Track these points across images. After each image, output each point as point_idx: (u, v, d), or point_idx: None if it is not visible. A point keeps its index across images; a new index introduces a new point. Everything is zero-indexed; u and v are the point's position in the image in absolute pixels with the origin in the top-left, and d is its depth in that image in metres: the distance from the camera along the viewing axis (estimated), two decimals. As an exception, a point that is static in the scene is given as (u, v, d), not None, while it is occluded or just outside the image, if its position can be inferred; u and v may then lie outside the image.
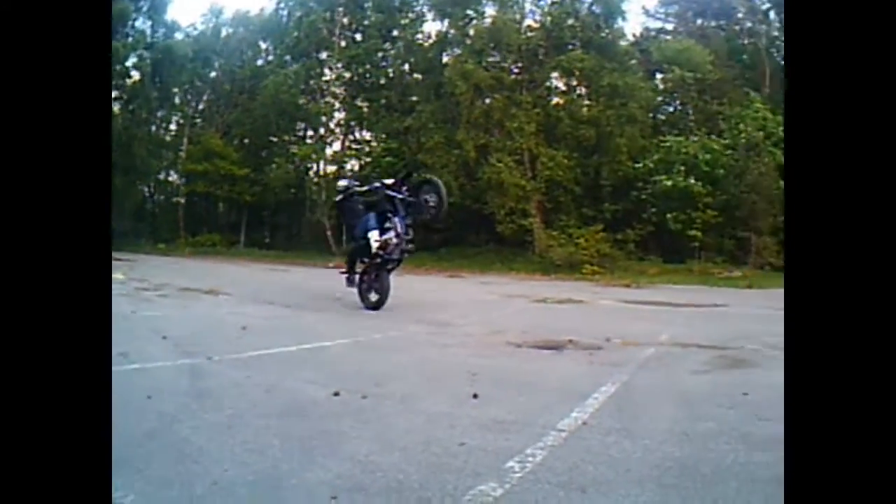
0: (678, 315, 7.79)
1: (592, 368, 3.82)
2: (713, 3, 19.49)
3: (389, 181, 6.66)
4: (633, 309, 8.45)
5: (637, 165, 17.65)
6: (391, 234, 6.34)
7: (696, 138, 17.76)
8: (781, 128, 18.06)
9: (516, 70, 18.63)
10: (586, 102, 18.40)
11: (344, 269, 6.92)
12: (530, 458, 2.08)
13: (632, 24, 29.63)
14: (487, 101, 18.28)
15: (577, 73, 18.25)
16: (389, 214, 6.39)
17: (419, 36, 20.40)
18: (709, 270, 17.10)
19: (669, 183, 17.11)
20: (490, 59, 18.69)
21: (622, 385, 3.30)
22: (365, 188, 6.79)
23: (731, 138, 17.71)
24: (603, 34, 18.49)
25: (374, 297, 6.47)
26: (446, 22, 19.71)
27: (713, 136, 17.76)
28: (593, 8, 18.84)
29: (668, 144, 17.60)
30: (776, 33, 19.37)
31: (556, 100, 18.73)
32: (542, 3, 19.11)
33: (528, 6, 19.18)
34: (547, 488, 1.85)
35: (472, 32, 19.08)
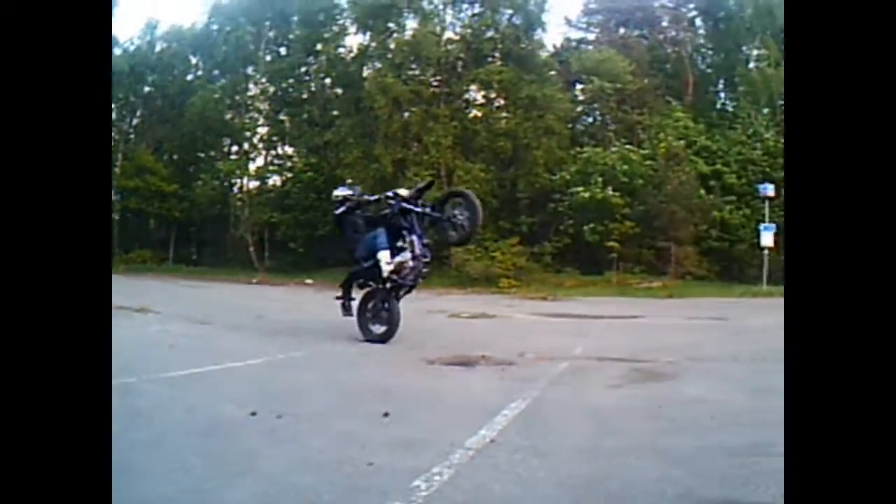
0: (594, 327, 7.84)
1: (504, 384, 3.81)
2: (637, 12, 19.36)
3: (404, 191, 5.76)
4: (548, 322, 8.43)
5: (554, 177, 17.45)
6: (406, 254, 5.47)
7: (614, 149, 17.57)
8: (704, 136, 17.95)
9: (435, 83, 18.43)
10: (504, 115, 18.16)
11: (339, 294, 5.92)
12: (437, 477, 2.08)
13: (553, 35, 29.27)
14: (406, 114, 18.07)
15: (496, 85, 18.06)
16: (405, 231, 5.51)
17: (341, 50, 20.22)
18: (627, 281, 16.90)
19: (587, 194, 16.91)
20: (410, 73, 18.49)
21: (532, 401, 3.31)
22: (374, 198, 5.96)
23: (651, 148, 17.56)
24: (522, 45, 18.30)
25: (379, 328, 5.53)
26: (368, 35, 19.53)
27: (632, 147, 17.57)
28: (513, 19, 18.65)
29: (585, 156, 17.42)
30: (701, 41, 19.25)
31: (474, 112, 18.52)
32: (462, 15, 18.97)
33: (448, 18, 19.02)
34: (451, 506, 1.88)
35: (392, 46, 18.88)
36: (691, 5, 19.28)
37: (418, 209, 5.55)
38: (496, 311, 9.40)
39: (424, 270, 5.66)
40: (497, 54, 18.36)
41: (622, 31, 19.77)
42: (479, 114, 18.42)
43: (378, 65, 19.03)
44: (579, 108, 19.37)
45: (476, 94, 18.62)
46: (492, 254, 16.82)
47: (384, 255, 5.38)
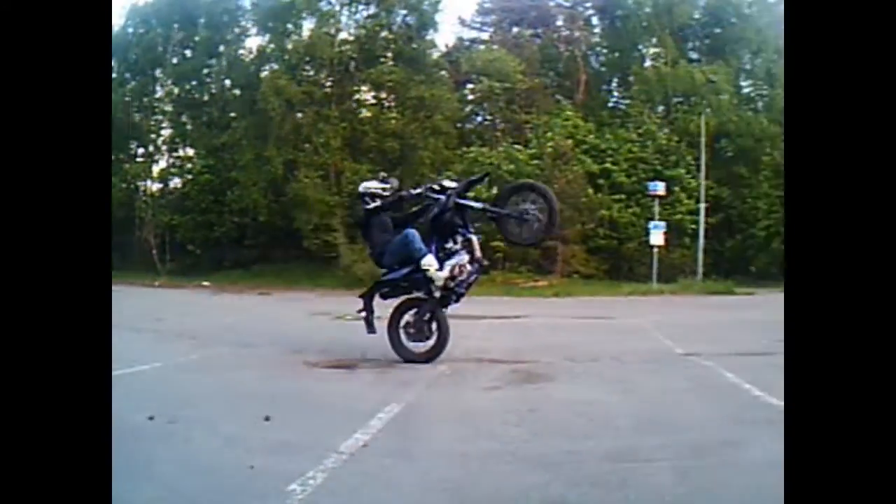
0: (477, 328, 7.74)
1: (381, 388, 3.89)
2: (531, 11, 19.23)
3: (450, 183, 5.02)
4: None
5: (440, 177, 17.37)
6: (463, 256, 4.74)
7: (501, 148, 17.51)
8: (593, 135, 17.87)
9: (328, 84, 18.42)
10: (393, 115, 18.13)
11: (360, 308, 5.10)
12: (311, 481, 2.17)
13: (446, 35, 28.91)
14: (299, 115, 18.08)
15: (386, 86, 18.05)
16: (459, 230, 4.79)
17: (242, 51, 20.29)
18: (512, 280, 16.89)
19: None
20: (304, 74, 18.51)
21: (407, 405, 3.37)
22: (416, 192, 5.05)
23: (538, 147, 17.47)
24: (414, 46, 18.26)
25: (422, 346, 4.80)
26: (267, 37, 19.54)
27: (519, 146, 17.51)
28: (407, 19, 18.62)
29: (471, 155, 17.37)
30: (597, 39, 19.11)
31: (364, 113, 18.50)
32: (358, 16, 18.92)
33: (344, 19, 18.97)
34: (323, 510, 1.98)
35: (289, 47, 18.90)
36: (588, 4, 19.25)
37: (477, 204, 4.92)
38: (381, 313, 9.46)
39: (477, 276, 4.96)
40: (389, 55, 18.33)
41: (516, 30, 19.64)
42: (369, 114, 18.38)
43: (275, 66, 19.04)
44: (468, 108, 19.35)
45: (367, 95, 18.60)
46: (378, 254, 16.87)
47: (430, 261, 4.65)
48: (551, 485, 2.11)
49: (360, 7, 18.96)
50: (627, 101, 18.66)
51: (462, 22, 20.83)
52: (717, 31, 18.92)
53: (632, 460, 2.38)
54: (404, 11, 18.63)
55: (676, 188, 17.47)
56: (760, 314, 10.03)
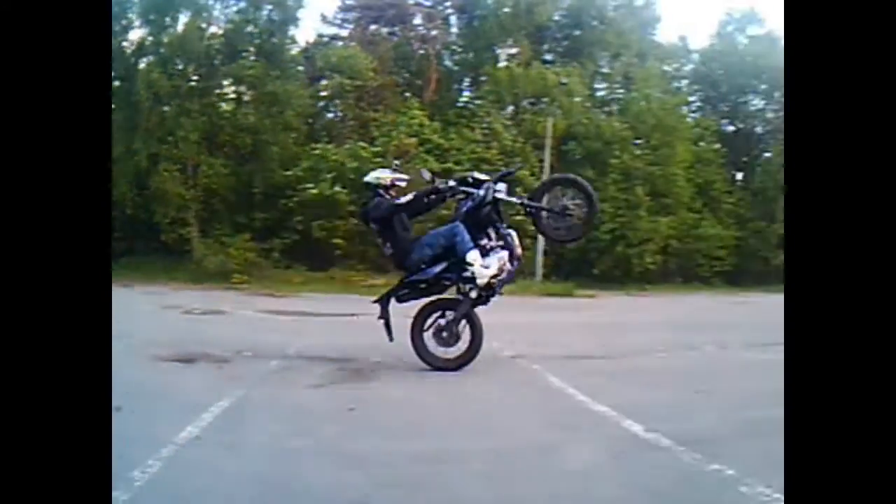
0: (313, 325, 8.08)
1: (217, 382, 4.11)
2: (390, 9, 19.29)
3: (481, 175, 4.79)
4: (271, 319, 8.82)
5: (287, 173, 17.97)
6: (503, 254, 4.53)
7: (348, 146, 17.96)
8: (437, 134, 18.17)
9: (195, 78, 19.06)
10: (250, 110, 18.69)
11: (381, 314, 4.78)
12: (149, 469, 2.36)
13: (308, 32, 29.13)
14: (165, 109, 18.81)
15: (246, 80, 18.58)
16: (497, 225, 4.63)
17: (125, 43, 20.90)
18: (350, 278, 17.46)
19: (316, 191, 17.46)
20: (175, 68, 19.17)
21: (237, 399, 3.57)
22: (451, 185, 4.70)
23: (382, 145, 17.87)
24: (274, 41, 18.71)
25: (452, 351, 4.56)
26: (148, 29, 20.17)
27: (364, 144, 17.92)
28: (272, 15, 19.03)
29: (318, 152, 17.86)
30: (454, 38, 19.14)
31: (224, 107, 19.11)
32: (228, 10, 19.41)
33: (216, 13, 19.50)
34: (159, 497, 2.19)
35: (165, 40, 19.56)
36: (448, 3, 19.18)
37: (514, 199, 4.74)
38: (228, 308, 9.73)
39: (513, 275, 4.72)
40: (252, 49, 18.83)
41: (373, 27, 19.77)
42: (228, 109, 19.00)
43: (151, 58, 19.73)
44: (321, 105, 19.69)
45: (228, 90, 19.18)
46: (227, 249, 17.66)
47: (475, 257, 4.39)
48: (360, 484, 2.19)
49: (232, 2, 19.45)
50: (478, 101, 18.76)
51: (324, 18, 21.06)
52: (577, 32, 18.74)
53: (443, 462, 2.47)
54: (271, 6, 19.01)
55: (519, 189, 17.71)
56: (597, 316, 10.24)
